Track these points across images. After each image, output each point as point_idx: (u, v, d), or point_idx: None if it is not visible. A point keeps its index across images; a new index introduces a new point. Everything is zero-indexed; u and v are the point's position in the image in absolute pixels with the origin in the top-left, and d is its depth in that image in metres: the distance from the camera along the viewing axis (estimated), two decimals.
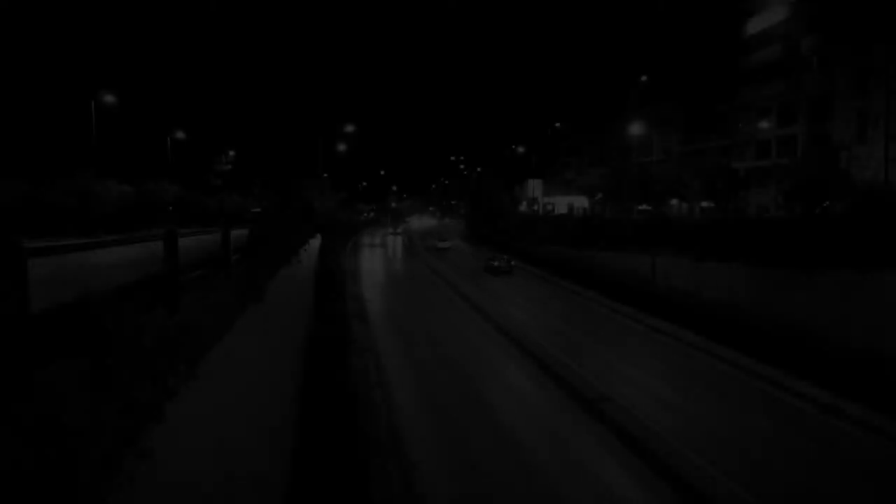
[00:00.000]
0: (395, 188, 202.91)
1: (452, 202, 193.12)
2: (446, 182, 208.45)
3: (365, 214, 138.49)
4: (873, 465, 18.22)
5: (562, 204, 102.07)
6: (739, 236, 35.80)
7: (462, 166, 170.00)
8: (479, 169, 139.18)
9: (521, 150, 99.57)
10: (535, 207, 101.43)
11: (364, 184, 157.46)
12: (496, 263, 58.01)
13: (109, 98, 40.77)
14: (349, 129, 55.36)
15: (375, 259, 74.42)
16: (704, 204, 59.41)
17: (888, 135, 40.23)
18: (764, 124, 57.17)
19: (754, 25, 59.80)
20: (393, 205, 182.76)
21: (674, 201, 63.18)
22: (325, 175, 64.28)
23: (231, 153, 69.76)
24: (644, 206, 63.60)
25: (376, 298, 44.79)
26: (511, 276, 56.44)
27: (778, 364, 26.70)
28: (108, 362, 3.22)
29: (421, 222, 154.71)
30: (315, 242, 38.63)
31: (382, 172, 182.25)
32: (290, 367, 17.41)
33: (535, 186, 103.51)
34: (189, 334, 4.61)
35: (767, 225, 36.18)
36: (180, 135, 55.77)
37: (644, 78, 65.54)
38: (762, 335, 28.34)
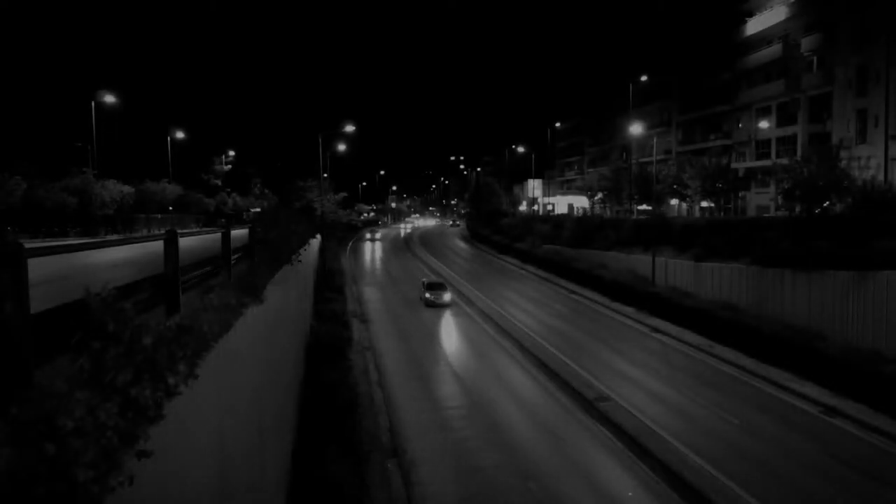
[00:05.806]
0: (394, 188, 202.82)
1: (452, 202, 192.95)
2: (446, 182, 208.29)
3: (365, 215, 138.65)
4: (871, 462, 18.28)
5: (562, 204, 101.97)
6: (739, 236, 35.75)
7: (462, 166, 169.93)
8: (479, 169, 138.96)
9: (521, 150, 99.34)
10: (535, 207, 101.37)
11: (364, 184, 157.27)
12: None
13: (109, 98, 40.62)
14: (349, 129, 55.15)
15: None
16: (704, 204, 59.35)
17: (888, 135, 40.16)
18: (764, 124, 57.07)
19: (754, 25, 59.75)
20: (393, 205, 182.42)
21: (674, 201, 63.11)
22: (325, 175, 64.20)
23: (231, 153, 69.67)
24: (644, 206, 63.57)
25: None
26: (513, 278, 56.61)
27: (778, 364, 26.68)
28: (108, 362, 3.21)
29: (424, 222, 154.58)
30: (315, 242, 38.69)
31: (382, 172, 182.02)
32: (290, 366, 17.46)
33: (535, 186, 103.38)
34: (189, 334, 4.61)
35: (767, 225, 36.12)
36: (180, 135, 55.60)
37: (644, 78, 65.33)
38: (761, 336, 28.32)
